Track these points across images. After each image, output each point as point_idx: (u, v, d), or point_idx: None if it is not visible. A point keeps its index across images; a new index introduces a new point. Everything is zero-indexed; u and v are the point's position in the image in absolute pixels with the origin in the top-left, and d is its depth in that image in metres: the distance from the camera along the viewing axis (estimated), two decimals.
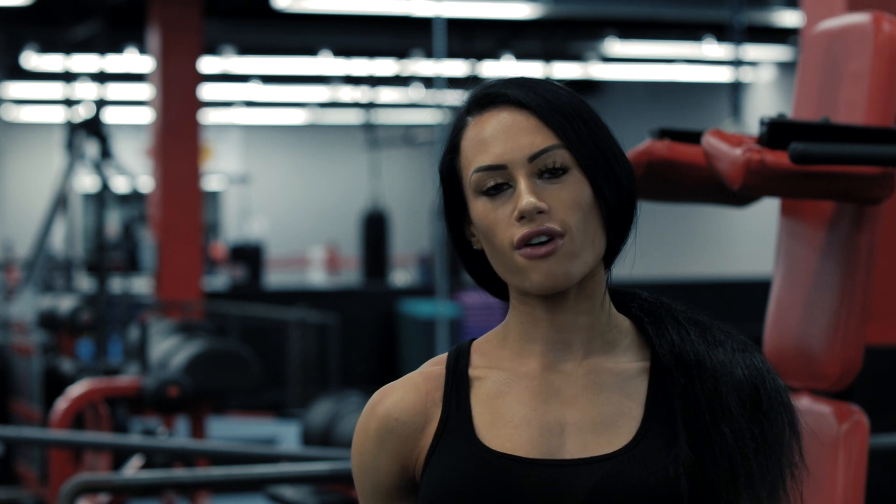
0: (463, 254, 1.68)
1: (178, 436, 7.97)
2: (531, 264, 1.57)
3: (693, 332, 1.65)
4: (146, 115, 14.26)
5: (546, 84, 1.63)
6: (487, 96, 1.63)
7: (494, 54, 15.96)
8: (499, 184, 1.59)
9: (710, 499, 1.59)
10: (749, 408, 1.61)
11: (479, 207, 1.60)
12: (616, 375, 1.63)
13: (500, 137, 1.60)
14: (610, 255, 1.66)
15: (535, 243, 1.56)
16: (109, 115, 13.17)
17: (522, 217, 1.56)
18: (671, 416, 1.61)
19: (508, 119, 1.60)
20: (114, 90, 15.41)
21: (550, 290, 1.58)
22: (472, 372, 1.65)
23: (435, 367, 1.67)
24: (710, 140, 2.56)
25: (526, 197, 1.56)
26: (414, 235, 22.07)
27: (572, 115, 1.61)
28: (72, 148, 11.48)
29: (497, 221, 1.58)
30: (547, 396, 1.62)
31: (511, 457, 1.58)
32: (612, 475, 1.57)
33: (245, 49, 15.82)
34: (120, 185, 12.67)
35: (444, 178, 1.65)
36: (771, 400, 1.63)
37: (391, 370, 14.11)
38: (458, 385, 1.65)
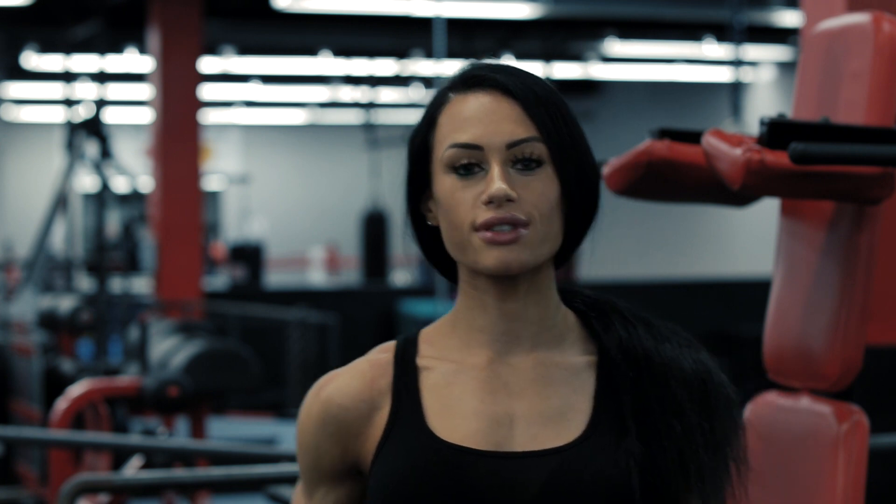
0: (416, 228, 1.68)
1: (178, 436, 7.97)
2: (489, 247, 1.57)
3: (640, 327, 1.66)
4: (146, 115, 14.26)
5: (531, 76, 1.64)
6: (475, 77, 1.64)
7: (494, 54, 15.95)
8: (471, 164, 1.59)
9: (660, 492, 1.59)
10: (698, 402, 1.62)
11: (447, 183, 1.61)
12: (564, 369, 1.63)
13: (483, 119, 1.60)
14: (565, 254, 1.66)
15: (498, 229, 1.57)
16: (109, 115, 13.16)
17: (491, 202, 1.57)
18: (620, 411, 1.61)
19: (493, 103, 1.61)
20: (114, 90, 15.41)
21: (502, 273, 1.58)
22: (419, 361, 1.65)
23: (382, 355, 1.68)
24: (710, 140, 2.56)
25: (498, 182, 1.57)
26: None
27: (554, 111, 1.62)
28: (72, 148, 11.48)
29: (462, 201, 1.59)
30: (495, 388, 1.62)
31: (463, 448, 1.58)
32: (564, 467, 1.57)
33: (245, 49, 15.82)
34: (120, 185, 12.66)
35: (413, 150, 1.65)
36: (718, 395, 1.64)
37: None
38: (406, 374, 1.65)
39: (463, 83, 1.64)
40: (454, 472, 1.58)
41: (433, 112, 1.65)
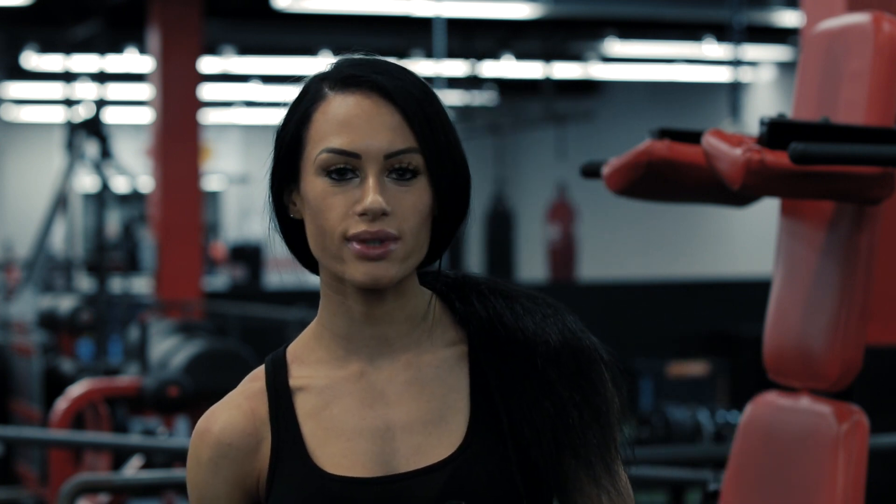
0: (279, 218, 1.63)
1: (178, 436, 7.97)
2: (357, 261, 1.53)
3: (499, 303, 1.62)
4: (146, 115, 14.26)
5: (410, 77, 1.58)
6: (354, 77, 1.57)
7: (494, 54, 15.95)
8: (345, 169, 1.54)
9: (541, 476, 1.56)
10: (568, 375, 1.58)
11: (318, 186, 1.55)
12: (436, 367, 1.60)
13: (361, 125, 1.55)
14: (434, 254, 1.63)
15: (369, 243, 1.53)
16: (109, 115, 13.16)
17: (365, 214, 1.52)
18: (496, 403, 1.58)
19: (372, 108, 1.55)
20: (114, 90, 15.41)
21: (370, 287, 1.55)
22: (292, 383, 1.61)
23: (255, 384, 1.63)
24: (710, 140, 2.56)
25: (373, 195, 1.52)
26: None
27: (434, 116, 1.57)
28: (72, 148, 11.48)
29: (332, 207, 1.54)
30: (372, 401, 1.59)
31: (348, 479, 1.55)
32: (452, 482, 1.54)
33: (245, 49, 15.82)
34: (120, 185, 12.66)
35: (283, 142, 1.59)
36: (590, 361, 1.59)
37: None
38: (280, 401, 1.60)
39: (342, 81, 1.57)
40: None
41: (307, 107, 1.58)
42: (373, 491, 1.55)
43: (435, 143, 1.56)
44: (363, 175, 1.54)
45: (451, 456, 1.56)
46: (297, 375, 1.61)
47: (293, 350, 1.64)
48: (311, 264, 1.64)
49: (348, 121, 1.55)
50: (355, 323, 1.59)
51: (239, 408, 1.61)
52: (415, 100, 1.56)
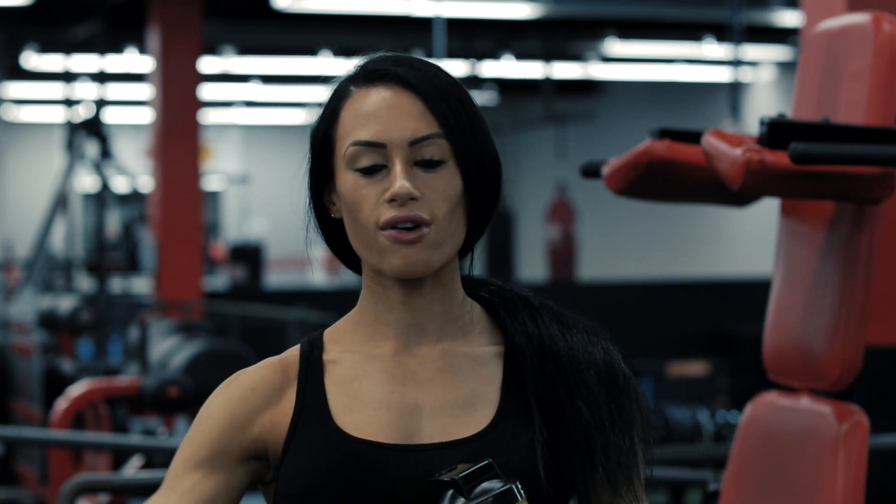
0: (320, 220, 1.67)
1: (178, 436, 7.96)
2: (394, 247, 1.56)
3: (546, 315, 1.65)
4: (146, 115, 14.26)
5: (434, 68, 1.62)
6: (377, 71, 1.61)
7: (494, 54, 15.95)
8: (374, 162, 1.58)
9: (567, 476, 1.58)
10: (605, 386, 1.61)
11: (349, 181, 1.59)
12: (471, 359, 1.63)
13: (384, 115, 1.58)
14: (467, 246, 1.66)
15: (402, 227, 1.56)
16: (109, 115, 13.16)
17: (394, 200, 1.55)
18: (527, 398, 1.60)
19: (394, 98, 1.59)
20: (114, 90, 15.40)
21: (407, 276, 1.58)
22: (326, 356, 1.64)
23: (291, 353, 1.67)
24: (710, 140, 2.56)
25: (401, 181, 1.55)
26: None
27: (457, 105, 1.60)
28: (72, 148, 11.48)
29: (365, 198, 1.57)
30: (403, 379, 1.61)
31: (370, 442, 1.57)
32: (472, 458, 1.55)
33: (245, 49, 15.82)
34: (120, 185, 12.66)
35: (315, 142, 1.63)
36: (626, 380, 1.64)
37: None
38: (312, 370, 1.64)
39: (364, 77, 1.61)
40: (364, 467, 1.56)
41: (335, 105, 1.62)
42: (394, 456, 1.57)
43: (459, 129, 1.59)
44: (391, 164, 1.57)
45: (476, 435, 1.58)
46: (332, 350, 1.65)
47: (330, 332, 1.68)
48: (352, 264, 1.67)
49: (372, 113, 1.58)
50: (395, 312, 1.62)
51: (270, 365, 1.65)
52: (436, 88, 1.59)
